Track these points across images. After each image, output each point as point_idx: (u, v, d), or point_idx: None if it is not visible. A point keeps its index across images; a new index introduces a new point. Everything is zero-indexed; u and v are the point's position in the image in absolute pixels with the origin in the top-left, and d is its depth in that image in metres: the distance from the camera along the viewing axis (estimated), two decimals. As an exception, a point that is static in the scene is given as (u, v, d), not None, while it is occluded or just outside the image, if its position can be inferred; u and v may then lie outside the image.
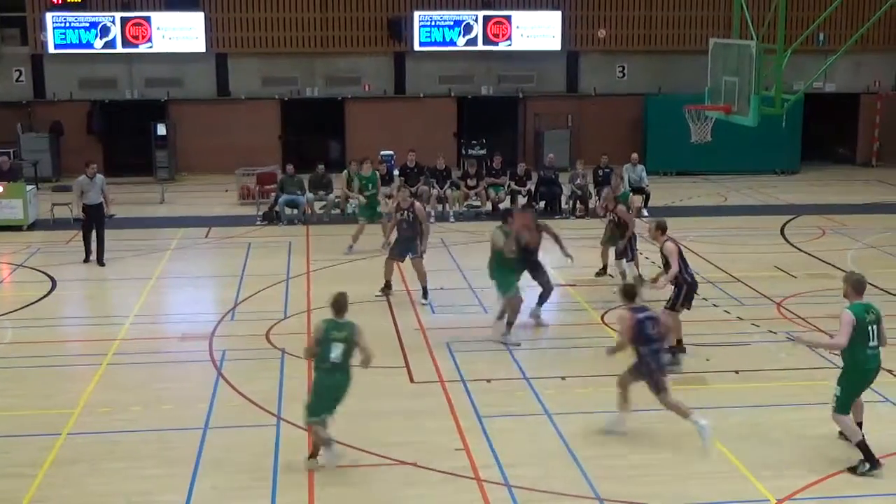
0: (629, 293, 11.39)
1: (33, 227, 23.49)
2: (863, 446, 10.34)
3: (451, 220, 24.26)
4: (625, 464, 10.62)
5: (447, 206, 24.70)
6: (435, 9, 32.13)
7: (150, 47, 31.26)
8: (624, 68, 33.50)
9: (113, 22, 31.05)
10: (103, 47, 31.17)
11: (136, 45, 31.23)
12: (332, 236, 22.08)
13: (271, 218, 24.22)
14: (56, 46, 31.08)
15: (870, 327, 10.25)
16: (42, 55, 31.47)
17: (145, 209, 26.24)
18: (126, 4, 31.24)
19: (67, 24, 31.05)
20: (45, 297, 17.48)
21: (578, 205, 24.88)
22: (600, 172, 25.41)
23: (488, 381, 13.11)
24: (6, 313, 16.51)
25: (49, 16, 30.89)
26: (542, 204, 25.10)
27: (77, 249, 20.37)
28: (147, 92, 31.92)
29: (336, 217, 24.27)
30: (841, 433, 10.76)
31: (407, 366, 13.76)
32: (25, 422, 11.83)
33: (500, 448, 10.98)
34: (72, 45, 31.12)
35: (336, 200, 24.53)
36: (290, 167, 25.00)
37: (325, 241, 21.78)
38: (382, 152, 27.39)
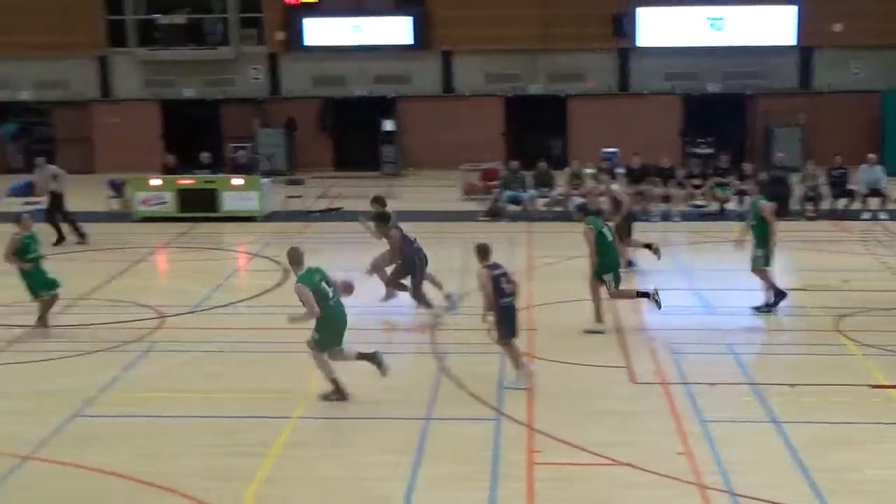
0: (483, 251, 12.89)
1: (268, 218, 24.51)
2: (335, 383, 12.19)
3: (676, 219, 23.80)
4: (860, 478, 10.11)
5: (671, 205, 24.24)
6: (660, 4, 31.59)
7: (379, 46, 32.08)
8: (860, 64, 31.98)
9: (343, 22, 32.07)
10: (334, 45, 32.22)
11: (368, 44, 32.11)
12: (554, 233, 22.07)
13: (494, 214, 24.42)
14: (292, 46, 32.32)
15: (321, 286, 11.95)
16: (277, 54, 32.80)
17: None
18: (357, 5, 32.18)
19: (302, 25, 32.25)
20: (277, 286, 18.19)
21: (810, 206, 23.93)
22: (834, 173, 24.39)
23: (712, 384, 12.78)
24: (241, 300, 17.32)
25: (293, 16, 32.16)
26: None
27: (309, 239, 21.13)
28: (375, 89, 32.78)
29: (558, 214, 24.24)
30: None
31: (628, 366, 13.59)
32: (258, 404, 12.36)
33: (724, 454, 10.68)
34: (306, 44, 32.29)
35: (559, 197, 24.50)
36: (513, 163, 25.14)
37: (547, 238, 21.79)
38: (605, 150, 27.16)
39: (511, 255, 20.21)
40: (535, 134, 32.68)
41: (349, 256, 20.50)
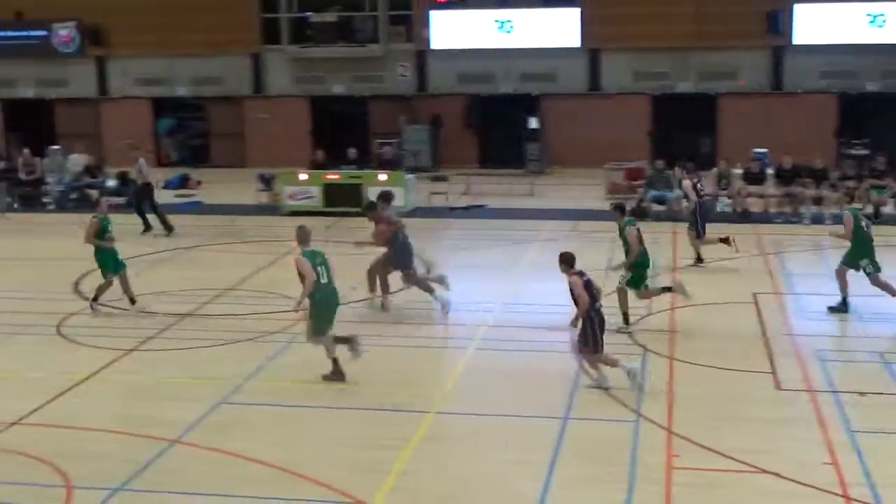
0: (568, 259, 12.61)
1: (412, 213, 24.73)
2: (336, 363, 12.84)
3: (828, 222, 23.05)
4: None
5: (823, 207, 23.49)
6: (818, 1, 30.64)
7: (526, 43, 32.03)
8: None
9: (489, 19, 32.12)
10: (481, 43, 32.31)
11: (512, 42, 32.10)
12: (699, 234, 21.62)
13: (639, 213, 24.08)
14: (437, 43, 32.57)
15: (318, 269, 12.77)
16: (425, 51, 33.08)
17: (515, 200, 26.88)
18: (503, 2, 32.19)
19: (449, 22, 32.46)
20: (419, 280, 18.36)
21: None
22: None
23: (861, 394, 12.33)
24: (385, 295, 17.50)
25: (433, 14, 32.43)
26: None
27: (451, 235, 21.25)
28: (522, 86, 32.73)
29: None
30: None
31: (773, 371, 13.23)
32: (397, 397, 12.47)
33: (872, 466, 10.29)
34: (452, 42, 32.49)
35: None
36: (659, 163, 24.78)
37: (692, 238, 21.36)
38: (755, 150, 26.49)
39: (655, 256, 19.91)
40: (683, 133, 32.04)
41: (491, 253, 20.56)
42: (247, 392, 12.85)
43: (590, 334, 12.54)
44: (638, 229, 15.32)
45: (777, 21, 30.72)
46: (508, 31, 32.24)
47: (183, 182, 29.99)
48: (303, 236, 13.18)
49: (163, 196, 27.88)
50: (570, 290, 12.58)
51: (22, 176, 27.76)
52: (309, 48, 33.49)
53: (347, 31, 33.57)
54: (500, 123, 32.57)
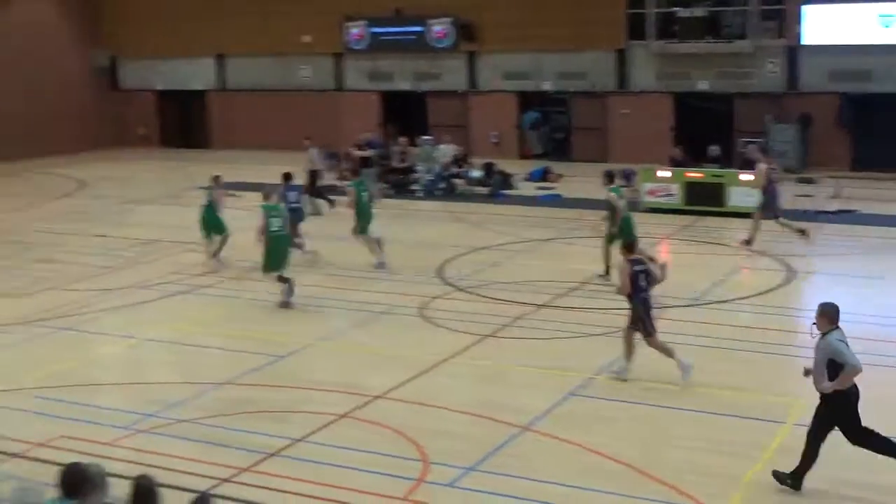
0: (627, 245, 13.39)
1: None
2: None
3: None
4: None
5: None
6: None
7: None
8: None
9: (871, 13, 30.30)
10: (858, 39, 30.54)
11: (895, 38, 30.12)
12: None
13: None
14: (810, 38, 31.13)
15: (271, 219, 16.13)
16: (796, 47, 31.74)
17: (893, 207, 25.10)
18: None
19: (823, 17, 30.95)
20: (781, 286, 17.69)
21: None
22: None
23: None
24: (744, 297, 17.05)
25: (805, 9, 31.03)
26: None
27: (816, 240, 20.32)
28: (903, 85, 30.63)
29: None
30: None
31: None
32: (751, 405, 12.10)
33: None
34: (826, 38, 30.95)
35: None
36: None
37: None
38: None
39: None
40: None
41: (860, 261, 19.44)
42: (597, 386, 12.93)
43: (639, 320, 12.85)
44: (617, 196, 17.88)
45: None
46: (887, 27, 30.24)
47: (544, 175, 30.57)
48: (266, 192, 16.76)
49: (524, 188, 28.67)
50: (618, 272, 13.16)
51: (395, 163, 29.39)
52: (674, 44, 33.04)
53: (715, 26, 32.83)
54: (877, 124, 30.59)
